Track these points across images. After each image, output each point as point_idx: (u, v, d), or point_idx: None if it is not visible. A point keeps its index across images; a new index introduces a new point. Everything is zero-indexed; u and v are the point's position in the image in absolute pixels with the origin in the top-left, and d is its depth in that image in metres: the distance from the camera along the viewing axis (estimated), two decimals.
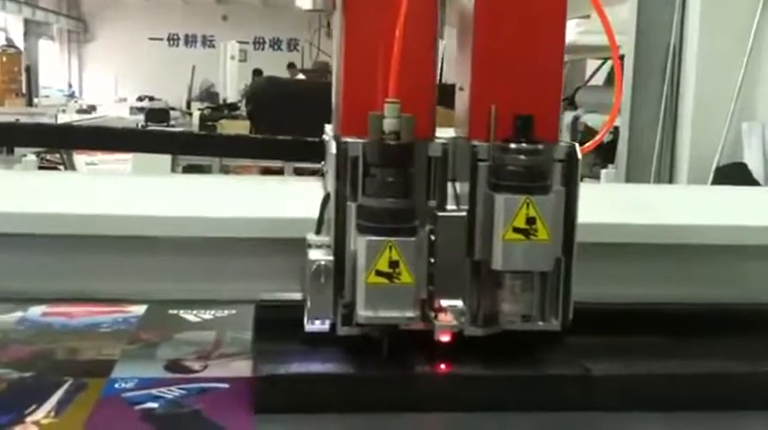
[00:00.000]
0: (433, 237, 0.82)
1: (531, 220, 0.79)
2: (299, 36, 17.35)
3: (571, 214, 0.83)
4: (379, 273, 0.78)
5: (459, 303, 0.83)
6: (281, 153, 1.29)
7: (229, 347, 0.96)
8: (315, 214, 0.87)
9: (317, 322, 0.85)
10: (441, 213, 0.83)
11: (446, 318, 0.82)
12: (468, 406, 0.82)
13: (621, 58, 5.33)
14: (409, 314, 0.79)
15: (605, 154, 5.52)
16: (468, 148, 0.83)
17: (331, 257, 0.81)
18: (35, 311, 1.08)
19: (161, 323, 1.04)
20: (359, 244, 0.79)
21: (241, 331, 0.99)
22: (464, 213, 0.83)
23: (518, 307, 0.82)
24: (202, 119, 8.90)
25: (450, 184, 0.86)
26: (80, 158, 5.39)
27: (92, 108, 14.56)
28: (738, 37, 4.06)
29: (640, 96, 4.39)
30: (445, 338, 0.81)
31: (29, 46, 17.94)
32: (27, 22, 18.06)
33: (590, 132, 6.63)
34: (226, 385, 0.85)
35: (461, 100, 0.87)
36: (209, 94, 15.49)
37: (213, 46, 18.68)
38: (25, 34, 18.13)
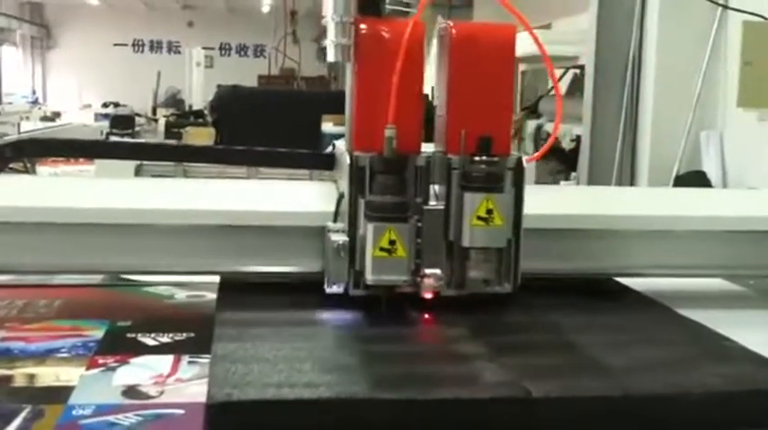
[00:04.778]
0: (419, 224, 1.14)
1: (489, 211, 1.12)
2: (265, 42, 17.54)
3: (519, 206, 1.16)
4: (381, 249, 1.10)
5: (438, 271, 1.15)
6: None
7: (186, 372, 0.95)
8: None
9: (335, 286, 1.16)
10: (425, 207, 1.15)
11: (429, 282, 1.14)
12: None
13: (581, 67, 5.53)
14: (404, 278, 1.11)
15: (570, 162, 5.74)
16: (445, 160, 1.15)
17: (346, 238, 1.13)
18: None
19: (119, 347, 1.03)
20: (367, 228, 1.10)
21: (198, 355, 1.00)
22: (441, 207, 1.15)
23: (480, 273, 1.15)
24: (168, 125, 8.99)
25: (431, 186, 1.18)
26: (43, 169, 5.55)
27: (56, 115, 14.50)
28: (696, 48, 4.12)
29: (601, 106, 4.45)
30: (429, 296, 1.14)
31: None
32: None
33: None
34: (182, 411, 0.85)
35: (440, 124, 1.19)
36: (174, 101, 15.57)
37: (179, 52, 18.74)
38: None
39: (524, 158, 1.17)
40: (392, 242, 1.10)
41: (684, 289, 1.36)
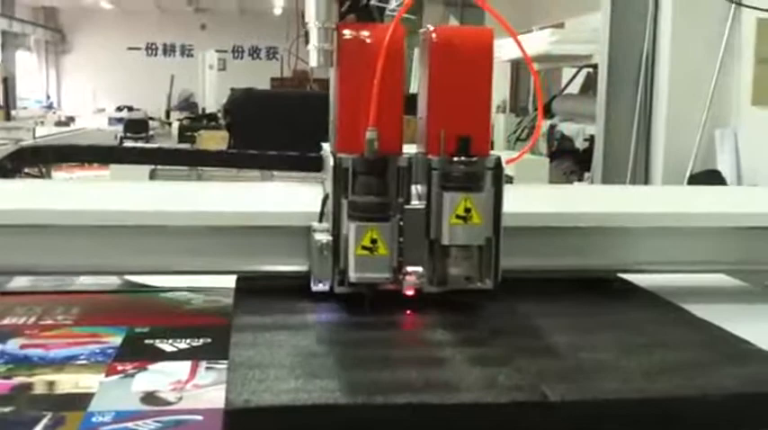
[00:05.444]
0: (401, 223, 1.18)
1: (467, 210, 1.15)
2: (277, 44, 17.61)
3: (498, 205, 1.19)
4: (364, 248, 1.13)
5: (420, 269, 1.19)
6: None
7: (204, 378, 0.96)
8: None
9: (320, 284, 1.20)
10: (407, 206, 1.19)
11: (411, 279, 1.17)
12: None
13: (594, 67, 5.51)
14: (386, 275, 1.14)
15: (583, 162, 5.72)
16: (425, 161, 1.19)
17: (330, 237, 1.16)
18: (13, 344, 1.07)
19: (137, 353, 1.04)
20: (350, 228, 1.14)
21: (215, 360, 1.01)
22: (422, 206, 1.19)
23: (461, 270, 1.18)
24: (181, 129, 9.05)
25: (413, 186, 1.21)
26: (59, 175, 5.61)
27: (70, 119, 14.64)
28: (710, 47, 4.17)
29: (614, 105, 4.47)
30: (410, 292, 1.17)
31: (6, 57, 18.00)
32: (4, 33, 18.11)
33: (566, 140, 6.90)
34: (200, 417, 0.86)
35: (420, 126, 1.22)
36: (188, 104, 15.69)
37: (192, 55, 18.86)
38: (2, 46, 18.15)
39: (503, 159, 1.20)
40: (374, 241, 1.13)
41: (687, 285, 1.38)
